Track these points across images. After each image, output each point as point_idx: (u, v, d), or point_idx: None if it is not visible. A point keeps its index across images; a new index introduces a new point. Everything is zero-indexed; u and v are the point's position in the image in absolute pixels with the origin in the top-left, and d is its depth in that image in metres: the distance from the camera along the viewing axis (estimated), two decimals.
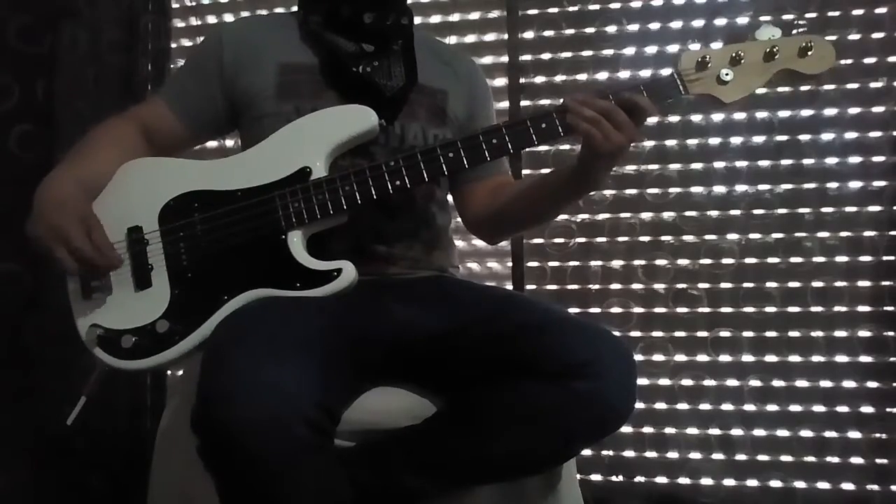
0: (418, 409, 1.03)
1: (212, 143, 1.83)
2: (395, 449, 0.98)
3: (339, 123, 1.08)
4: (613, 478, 1.83)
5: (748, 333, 1.80)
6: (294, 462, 0.83)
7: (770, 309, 1.79)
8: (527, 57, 1.93)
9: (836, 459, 1.74)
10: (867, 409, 1.74)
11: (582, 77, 1.91)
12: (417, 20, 1.26)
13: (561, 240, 1.89)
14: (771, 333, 1.79)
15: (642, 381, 1.82)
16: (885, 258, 1.75)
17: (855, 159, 1.78)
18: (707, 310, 1.82)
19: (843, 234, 1.77)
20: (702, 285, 1.83)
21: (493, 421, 0.97)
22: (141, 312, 1.02)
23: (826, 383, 1.76)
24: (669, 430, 1.82)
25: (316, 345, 0.93)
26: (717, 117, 1.84)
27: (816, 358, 1.77)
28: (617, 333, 1.03)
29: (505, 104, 1.92)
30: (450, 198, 1.32)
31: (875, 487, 1.72)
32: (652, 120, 1.06)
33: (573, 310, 1.85)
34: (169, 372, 2.00)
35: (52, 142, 1.76)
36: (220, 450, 0.83)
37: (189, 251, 1.04)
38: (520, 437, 0.96)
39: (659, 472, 1.82)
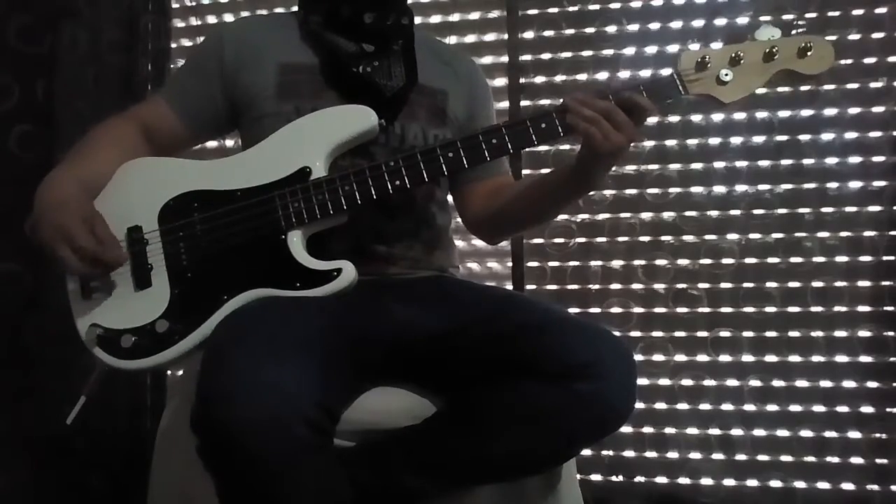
0: (418, 409, 1.03)
1: (212, 143, 1.83)
2: (395, 449, 0.98)
3: (339, 123, 1.08)
4: (613, 478, 1.83)
5: (748, 333, 1.80)
6: (294, 462, 0.83)
7: (770, 309, 1.79)
8: (527, 57, 1.93)
9: (836, 459, 1.74)
10: (867, 409, 1.74)
11: (582, 77, 1.91)
12: (417, 20, 1.26)
13: (561, 240, 1.89)
14: (771, 333, 1.79)
15: (642, 381, 1.82)
16: (885, 258, 1.75)
17: (855, 159, 1.77)
18: (707, 310, 1.82)
19: (843, 234, 1.77)
20: (702, 285, 1.83)
21: (494, 421, 0.97)
22: (141, 312, 1.02)
23: (826, 383, 1.76)
24: (669, 430, 1.82)
25: (316, 345, 0.93)
26: (717, 117, 1.84)
27: (816, 358, 1.77)
28: (617, 333, 1.03)
29: (505, 104, 1.92)
30: (450, 198, 1.32)
31: (875, 487, 1.72)
32: (652, 120, 1.06)
33: (573, 310, 1.85)
34: (169, 372, 2.00)
35: (52, 142, 1.76)
36: (219, 450, 0.83)
37: (189, 251, 1.04)
38: (520, 437, 0.96)
39: (659, 472, 1.82)
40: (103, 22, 1.94)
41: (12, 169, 1.69)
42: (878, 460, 1.72)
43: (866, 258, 1.77)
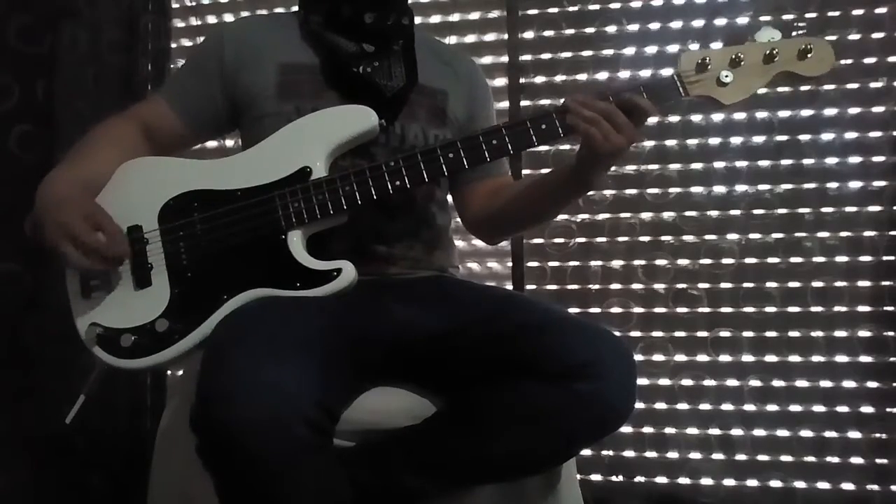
0: (418, 409, 1.03)
1: (212, 143, 1.83)
2: (395, 449, 0.98)
3: (339, 123, 1.08)
4: (613, 478, 1.83)
5: (748, 333, 1.80)
6: (294, 462, 0.83)
7: (770, 309, 1.79)
8: (527, 57, 1.93)
9: (836, 459, 1.74)
10: (867, 409, 1.74)
11: (582, 77, 1.91)
12: (417, 20, 1.26)
13: (561, 240, 1.89)
14: (771, 333, 1.79)
15: (642, 381, 1.82)
16: (885, 258, 1.75)
17: (855, 159, 1.78)
18: (707, 310, 1.82)
19: (843, 234, 1.77)
20: (702, 285, 1.83)
21: (493, 421, 0.97)
22: (140, 311, 1.02)
23: (826, 383, 1.76)
24: (669, 430, 1.82)
25: (316, 345, 0.93)
26: (717, 117, 1.84)
27: (816, 358, 1.77)
28: (617, 333, 1.03)
29: (505, 104, 1.92)
30: (449, 198, 1.32)
31: (875, 487, 1.72)
32: (652, 120, 1.06)
33: (573, 310, 1.85)
34: (169, 372, 2.00)
35: (52, 142, 1.76)
36: (219, 449, 0.83)
37: (189, 250, 1.04)
38: (520, 437, 0.96)
39: (659, 472, 1.82)
40: (103, 22, 1.94)
41: (12, 169, 1.69)
42: (878, 460, 1.72)
43: (866, 258, 1.77)
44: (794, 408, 1.77)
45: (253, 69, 1.16)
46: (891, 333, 1.74)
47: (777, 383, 1.78)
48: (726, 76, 1.05)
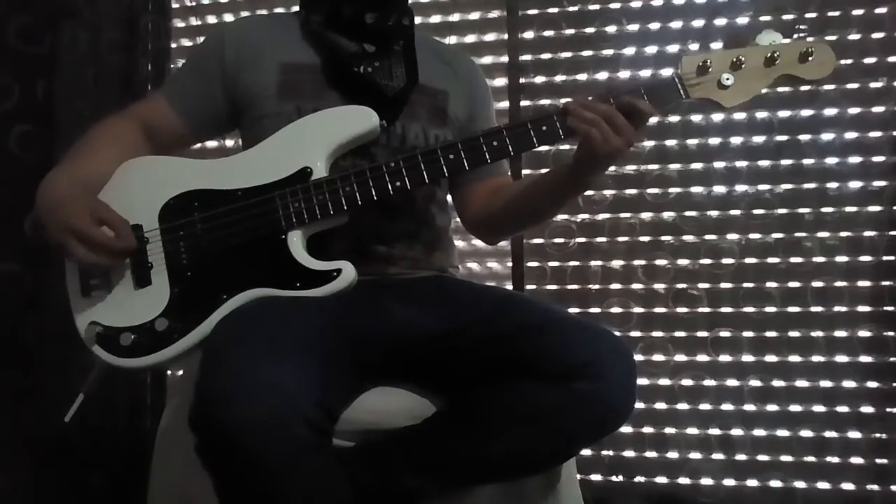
0: (418, 409, 1.03)
1: (212, 143, 1.83)
2: (395, 449, 0.98)
3: (340, 124, 1.08)
4: (613, 478, 1.83)
5: (748, 333, 1.80)
6: (293, 462, 0.83)
7: (770, 309, 1.79)
8: (527, 57, 1.93)
9: (836, 459, 1.74)
10: (867, 409, 1.74)
11: (582, 77, 1.91)
12: (417, 20, 1.26)
13: (561, 240, 1.89)
14: (771, 333, 1.79)
15: (642, 381, 1.82)
16: (885, 258, 1.75)
17: (855, 159, 1.78)
18: (707, 310, 1.82)
19: (843, 234, 1.77)
20: (702, 285, 1.83)
21: (493, 421, 0.97)
22: (140, 310, 1.02)
23: (826, 383, 1.76)
24: (669, 430, 1.82)
25: (316, 345, 0.93)
26: (717, 117, 1.84)
27: (816, 358, 1.77)
28: (617, 333, 1.03)
29: (505, 104, 1.92)
30: (449, 198, 1.32)
31: (875, 487, 1.72)
32: (652, 120, 1.06)
33: (573, 310, 1.85)
34: (169, 371, 2.00)
35: (52, 142, 1.76)
36: (218, 449, 0.83)
37: (189, 250, 1.04)
38: (520, 437, 0.96)
39: (659, 472, 1.82)
40: (103, 22, 1.94)
41: (12, 169, 1.69)
42: (878, 460, 1.72)
43: (866, 258, 1.77)
44: (794, 408, 1.77)
45: (254, 69, 1.16)
46: (891, 333, 1.74)
47: (777, 383, 1.78)
48: (727, 79, 1.05)
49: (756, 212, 1.81)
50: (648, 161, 1.86)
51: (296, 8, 1.25)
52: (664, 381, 1.83)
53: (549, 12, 1.92)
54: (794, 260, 1.79)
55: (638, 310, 1.85)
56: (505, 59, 1.94)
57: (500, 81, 1.93)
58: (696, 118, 1.85)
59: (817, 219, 1.79)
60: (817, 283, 1.78)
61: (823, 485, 1.74)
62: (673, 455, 1.82)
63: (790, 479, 1.75)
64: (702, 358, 1.82)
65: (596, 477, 1.84)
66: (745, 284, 1.81)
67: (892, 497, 1.70)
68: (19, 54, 1.75)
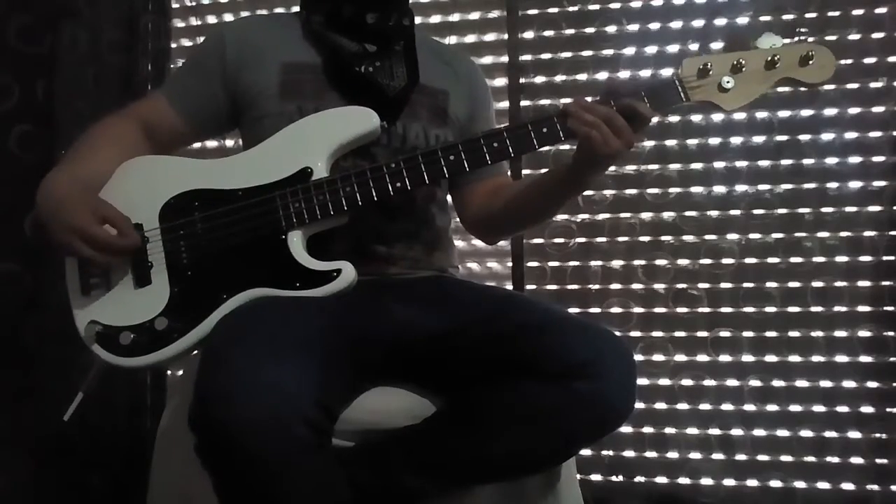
0: (418, 409, 1.03)
1: (212, 143, 1.83)
2: (395, 449, 0.98)
3: (341, 124, 1.08)
4: (613, 478, 1.83)
5: (748, 333, 1.80)
6: (293, 462, 0.83)
7: (770, 309, 1.79)
8: (527, 57, 1.93)
9: (836, 459, 1.74)
10: (867, 409, 1.74)
11: (582, 77, 1.91)
12: (417, 20, 1.26)
13: (561, 240, 1.89)
14: (771, 333, 1.79)
15: (642, 381, 1.82)
16: (885, 258, 1.75)
17: (855, 159, 1.78)
18: (707, 310, 1.82)
19: (843, 234, 1.77)
20: (702, 285, 1.83)
21: (493, 421, 0.97)
22: (140, 309, 1.02)
23: (826, 383, 1.76)
24: (669, 430, 1.82)
25: (316, 345, 0.93)
26: (717, 117, 1.84)
27: (816, 358, 1.77)
28: (617, 333, 1.03)
29: (505, 104, 1.92)
30: (449, 198, 1.33)
31: (875, 487, 1.72)
32: (652, 120, 1.06)
33: (573, 310, 1.85)
34: (169, 371, 2.00)
35: (52, 142, 1.76)
36: (218, 449, 0.83)
37: (189, 249, 1.04)
38: (520, 436, 0.96)
39: (659, 472, 1.82)
40: (103, 22, 1.94)
41: (12, 169, 1.69)
42: (878, 460, 1.72)
43: (866, 258, 1.77)
44: (794, 408, 1.77)
45: (255, 68, 1.16)
46: (891, 333, 1.74)
47: (777, 383, 1.78)
48: (728, 82, 1.05)
49: (756, 212, 1.81)
50: (648, 161, 1.86)
51: (296, 8, 1.25)
52: (664, 381, 1.83)
53: (549, 12, 1.92)
54: (794, 260, 1.79)
55: (638, 310, 1.85)
56: (505, 59, 1.94)
57: (500, 81, 1.93)
58: (696, 118, 1.85)
59: (817, 219, 1.79)
60: (817, 283, 1.78)
61: (823, 485, 1.74)
62: (673, 455, 1.82)
63: (790, 479, 1.75)
64: (702, 358, 1.82)
65: (596, 477, 1.84)
66: (745, 284, 1.81)
67: (892, 497, 1.70)
68: (19, 54, 1.75)
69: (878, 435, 1.72)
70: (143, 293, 1.03)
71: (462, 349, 1.03)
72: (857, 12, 1.78)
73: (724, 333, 1.81)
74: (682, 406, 1.82)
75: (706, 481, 1.79)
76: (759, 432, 1.78)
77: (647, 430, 1.83)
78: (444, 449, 0.98)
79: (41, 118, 1.77)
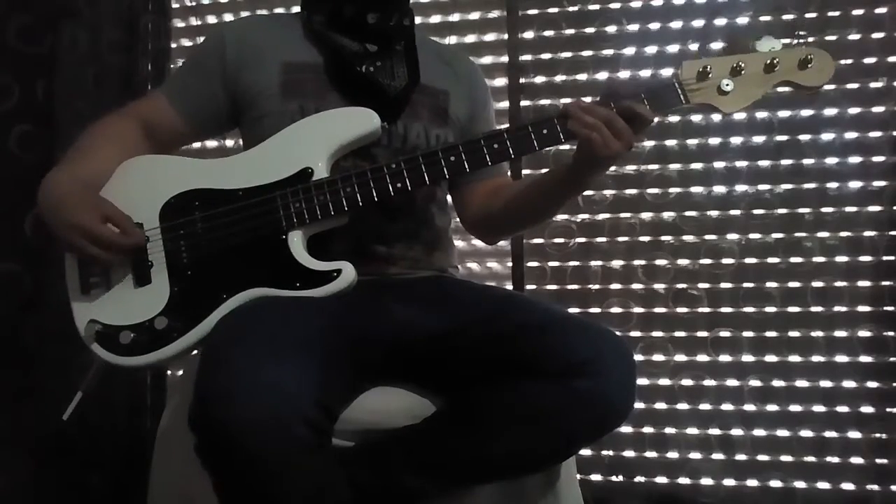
0: (418, 409, 1.03)
1: (212, 143, 1.83)
2: (395, 449, 0.98)
3: (342, 125, 1.09)
4: (613, 478, 1.83)
5: (748, 333, 1.80)
6: (293, 462, 0.83)
7: (770, 309, 1.79)
8: (527, 57, 1.93)
9: (836, 459, 1.74)
10: (867, 409, 1.74)
11: (582, 77, 1.91)
12: (417, 20, 1.26)
13: (561, 240, 1.89)
14: (771, 333, 1.79)
15: (642, 381, 1.82)
16: (885, 258, 1.75)
17: (855, 159, 1.78)
18: (707, 310, 1.82)
19: (843, 234, 1.77)
20: (702, 285, 1.83)
21: (493, 421, 0.97)
22: (140, 309, 1.02)
23: (826, 383, 1.76)
24: (669, 430, 1.82)
25: (316, 345, 0.93)
26: (717, 117, 1.83)
27: (816, 358, 1.77)
28: (617, 333, 1.03)
29: (505, 104, 1.92)
30: (449, 198, 1.33)
31: (875, 487, 1.72)
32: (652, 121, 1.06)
33: (573, 310, 1.85)
34: (169, 371, 2.00)
35: (52, 142, 1.76)
36: (218, 449, 0.83)
37: (189, 249, 1.04)
38: (520, 436, 0.96)
39: (659, 472, 1.82)
40: (103, 22, 1.94)
41: (12, 169, 1.69)
42: (878, 460, 1.72)
43: (866, 258, 1.77)
44: (794, 408, 1.77)
45: (256, 68, 1.16)
46: (891, 333, 1.74)
47: (777, 383, 1.78)
48: (727, 85, 1.05)
49: (756, 212, 1.81)
50: (648, 161, 1.86)
51: (296, 8, 1.25)
52: (664, 381, 1.83)
53: (549, 12, 1.92)
54: (794, 260, 1.79)
55: (638, 310, 1.85)
56: (505, 59, 1.94)
57: (500, 81, 1.93)
58: (696, 118, 1.84)
59: (817, 219, 1.79)
60: (817, 283, 1.78)
61: (823, 485, 1.74)
62: (673, 455, 1.82)
63: (790, 479, 1.75)
64: (702, 358, 1.82)
65: (596, 477, 1.84)
66: (745, 284, 1.81)
67: (892, 497, 1.70)
68: (19, 54, 1.75)
69: (878, 435, 1.72)
70: (143, 292, 1.03)
71: (462, 349, 1.03)
72: (857, 12, 1.78)
73: (724, 333, 1.81)
74: (682, 406, 1.82)
75: (706, 481, 1.79)
76: (759, 432, 1.78)
77: (647, 430, 1.83)
78: (444, 449, 0.98)
79: (41, 118, 1.77)
